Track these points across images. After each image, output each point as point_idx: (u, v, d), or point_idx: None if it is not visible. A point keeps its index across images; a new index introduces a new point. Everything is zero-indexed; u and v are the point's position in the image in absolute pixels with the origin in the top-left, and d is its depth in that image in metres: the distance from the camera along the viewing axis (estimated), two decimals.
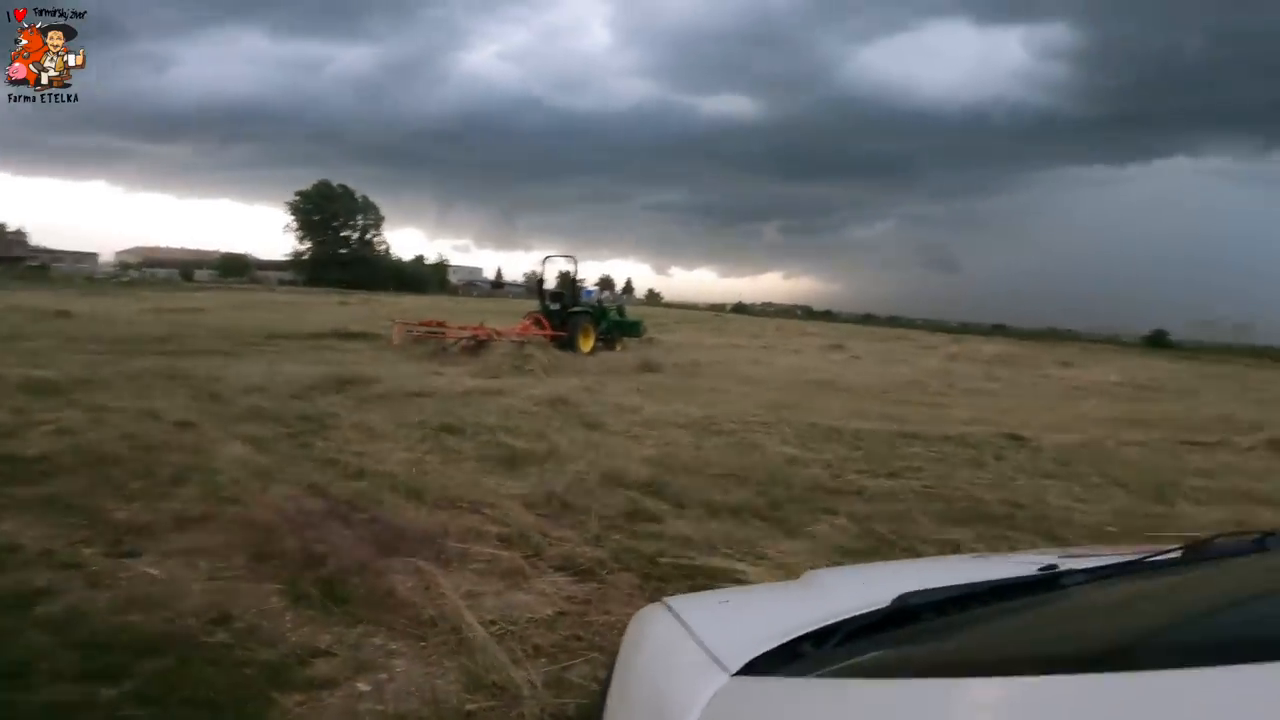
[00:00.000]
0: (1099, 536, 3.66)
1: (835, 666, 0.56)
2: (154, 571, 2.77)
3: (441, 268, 66.06)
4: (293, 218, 55.84)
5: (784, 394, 9.15)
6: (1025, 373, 16.14)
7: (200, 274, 50.07)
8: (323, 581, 2.73)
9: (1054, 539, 3.55)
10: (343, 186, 57.22)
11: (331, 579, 2.76)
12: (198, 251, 60.84)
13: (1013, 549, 3.11)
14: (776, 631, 0.66)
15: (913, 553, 3.25)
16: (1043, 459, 5.49)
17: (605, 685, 1.14)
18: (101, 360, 8.01)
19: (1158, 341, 59.77)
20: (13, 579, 2.61)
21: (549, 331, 12.27)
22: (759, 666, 0.61)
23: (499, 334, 11.35)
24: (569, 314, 12.99)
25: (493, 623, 2.55)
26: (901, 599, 0.65)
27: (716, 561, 3.09)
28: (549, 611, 2.69)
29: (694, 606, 0.92)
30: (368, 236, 58.58)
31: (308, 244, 56.22)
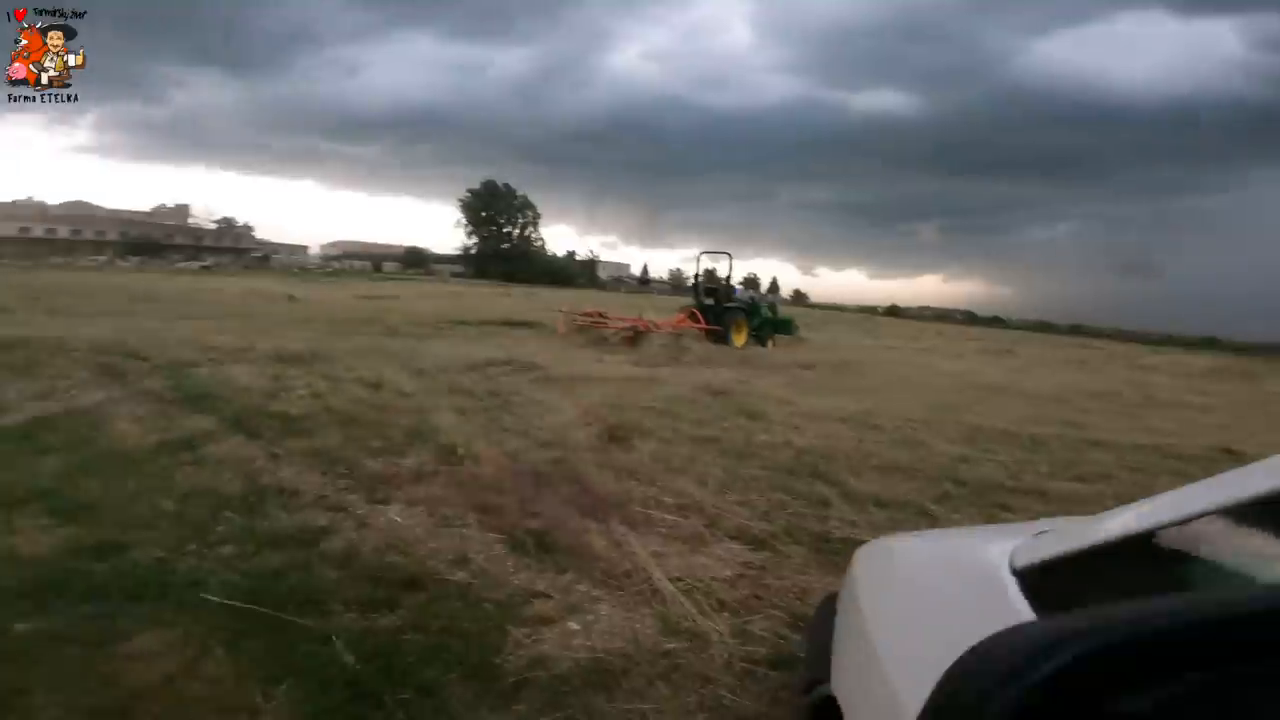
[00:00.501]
0: None
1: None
2: (400, 519, 3.24)
3: (591, 263, 68.56)
4: (462, 215, 60.44)
5: (948, 397, 8.74)
6: (1247, 388, 14.05)
7: (388, 266, 55.70)
8: (534, 533, 3.12)
9: None
10: (505, 185, 61.09)
11: (540, 532, 3.14)
12: (385, 245, 67.72)
13: None
14: (990, 562, 0.79)
15: None
16: None
17: (824, 613, 1.32)
18: (327, 337, 9.39)
19: None
20: (301, 519, 3.13)
21: (704, 325, 12.54)
22: (1053, 564, 0.75)
23: (656, 326, 11.79)
24: (723, 309, 13.18)
25: (679, 579, 2.81)
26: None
27: None
28: (728, 573, 2.92)
29: (915, 540, 1.05)
30: (526, 233, 62.09)
31: (475, 239, 60.60)
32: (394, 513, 3.30)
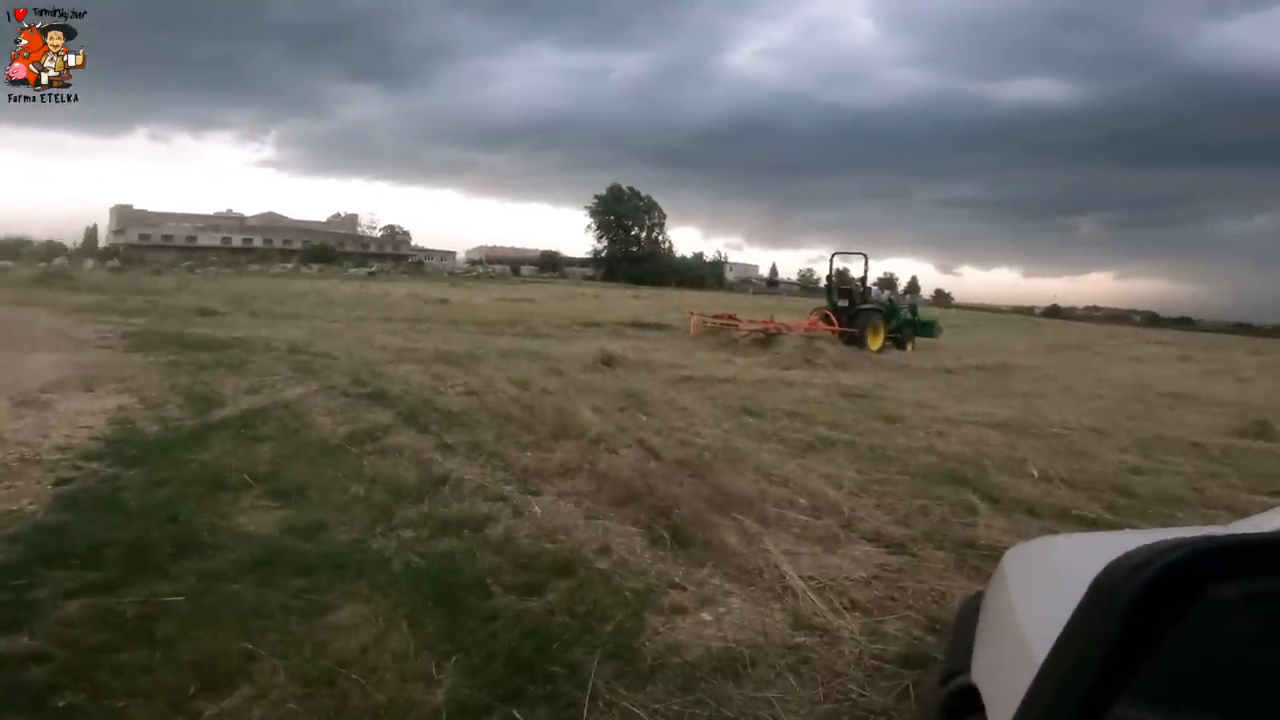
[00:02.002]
0: None
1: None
2: (550, 509, 3.48)
3: (718, 264, 68.28)
4: (591, 219, 62.35)
5: (1121, 404, 7.95)
6: None
7: (525, 270, 58.71)
8: (671, 527, 3.24)
9: None
10: (630, 189, 62.25)
11: (675, 526, 3.26)
12: (522, 250, 71.30)
13: None
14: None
15: None
16: None
17: (967, 614, 1.34)
18: (476, 338, 10.18)
19: None
20: (466, 506, 3.44)
21: (837, 328, 12.22)
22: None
23: (788, 328, 11.64)
24: (858, 311, 12.77)
25: (811, 578, 2.84)
26: None
27: None
28: (862, 574, 2.91)
29: (1078, 537, 1.06)
30: (653, 235, 62.95)
31: (604, 243, 62.35)
32: (544, 503, 3.54)
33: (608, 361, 8.31)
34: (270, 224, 56.90)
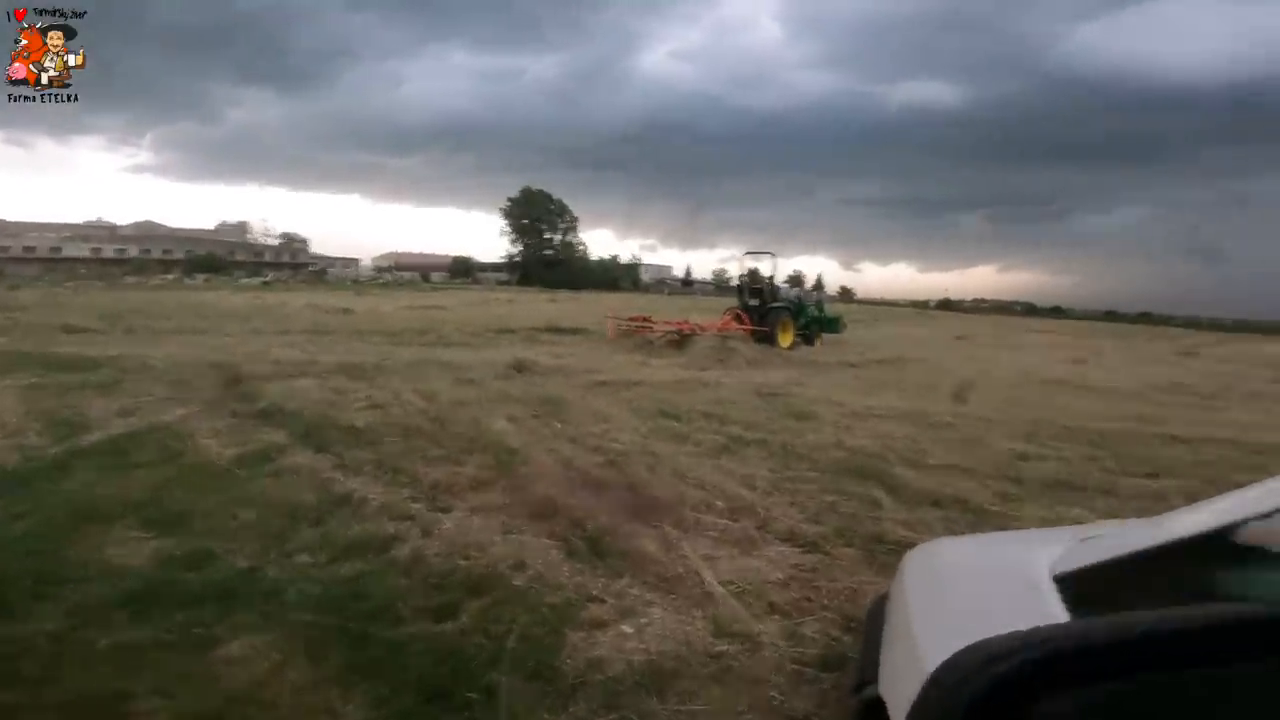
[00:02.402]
0: None
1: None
2: (461, 526, 3.35)
3: (634, 267, 68.74)
4: (505, 223, 61.43)
5: (1009, 392, 8.51)
6: None
7: (436, 276, 57.04)
8: (589, 538, 3.18)
9: None
10: (542, 192, 61.83)
11: (594, 537, 3.20)
12: (432, 256, 69.32)
13: None
14: (1036, 563, 0.81)
15: None
16: None
17: (875, 615, 1.34)
18: (382, 348, 9.73)
19: None
20: (370, 528, 3.26)
21: (749, 327, 12.50)
22: (1091, 570, 0.77)
23: (701, 329, 11.80)
24: (768, 309, 13.11)
25: (730, 582, 2.85)
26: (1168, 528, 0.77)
27: None
28: (779, 576, 2.94)
29: (962, 545, 1.07)
30: (567, 238, 62.72)
31: (518, 247, 61.53)
32: (456, 520, 3.41)
33: (521, 368, 8.14)
34: (147, 233, 52.77)
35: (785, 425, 5.81)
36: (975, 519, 3.55)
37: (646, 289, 59.26)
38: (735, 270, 15.24)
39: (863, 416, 6.10)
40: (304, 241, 63.17)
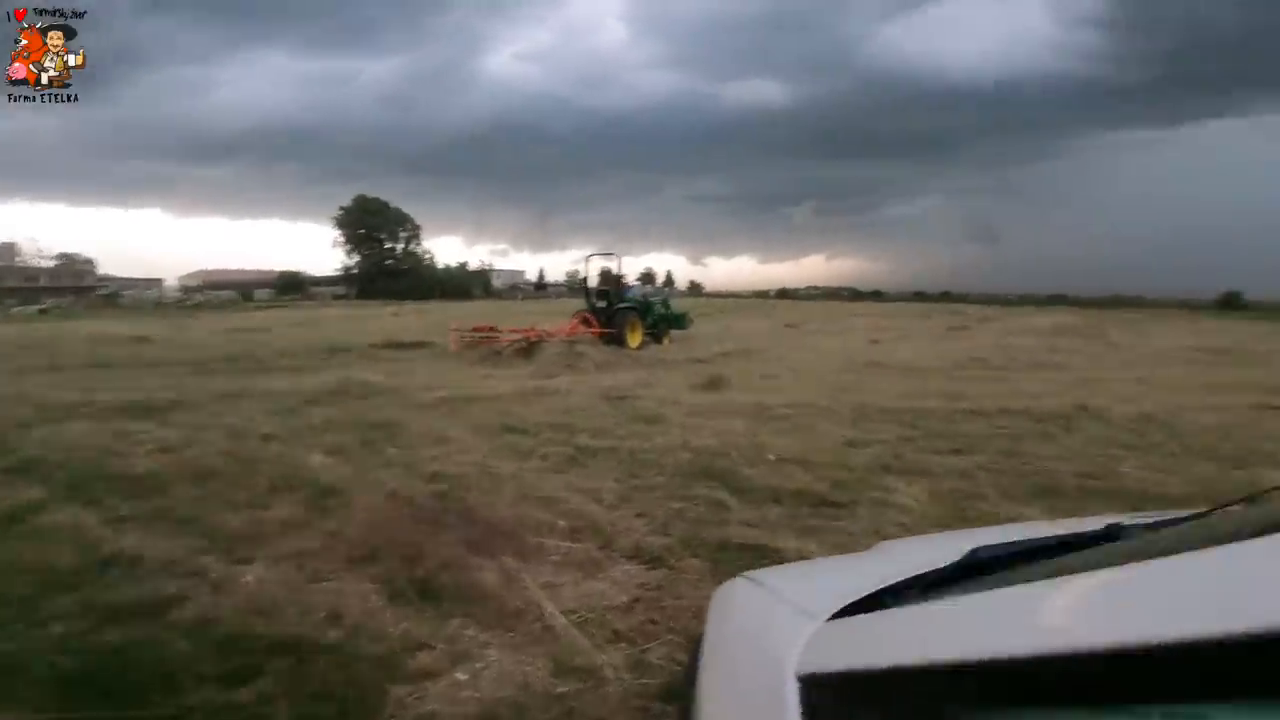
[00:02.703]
0: (1181, 506, 3.51)
1: (913, 605, 0.62)
2: (267, 576, 2.95)
3: (484, 273, 67.17)
4: (339, 233, 57.62)
5: (836, 376, 9.09)
6: (1090, 343, 15.55)
7: (260, 293, 52.02)
8: (416, 579, 2.89)
9: (1136, 509, 3.42)
10: (378, 200, 58.74)
11: (424, 577, 2.91)
12: (256, 272, 63.20)
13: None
14: (856, 590, 0.72)
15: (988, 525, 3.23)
16: (1115, 430, 5.33)
17: (694, 657, 1.23)
18: (184, 381, 8.53)
19: (1231, 303, 56.43)
20: (145, 589, 2.80)
21: (597, 329, 12.45)
22: (847, 614, 0.68)
23: (549, 334, 11.58)
24: (615, 311, 13.15)
25: (573, 611, 2.68)
26: (973, 553, 0.70)
27: (782, 543, 3.16)
28: (624, 598, 2.81)
29: (776, 576, 0.98)
30: (410, 247, 60.03)
31: (356, 258, 57.93)
32: (258, 572, 3.00)
33: (349, 391, 7.48)
34: None
35: (634, 430, 5.76)
36: (814, 510, 3.64)
37: (499, 295, 57.96)
38: (586, 272, 15.16)
39: (708, 414, 6.19)
40: (89, 262, 55.16)
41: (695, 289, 76.73)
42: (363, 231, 57.51)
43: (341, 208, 57.87)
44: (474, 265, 68.01)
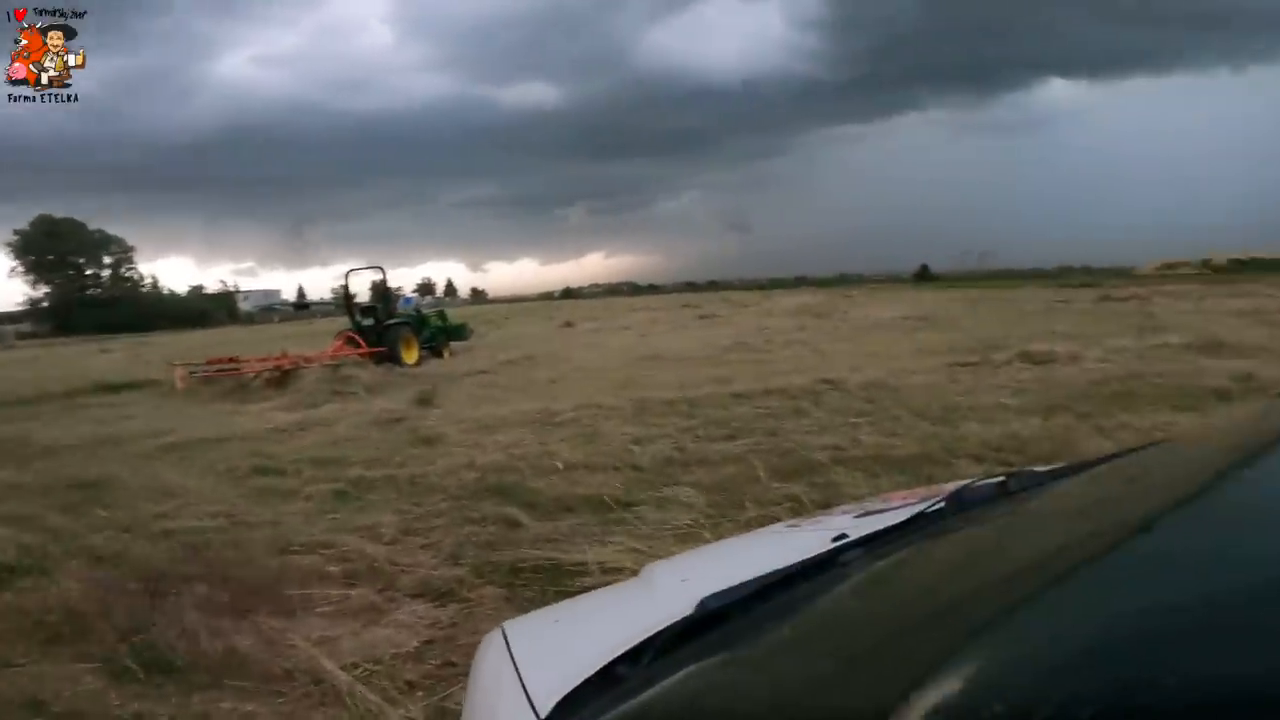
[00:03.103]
0: (910, 466, 4.02)
1: (636, 702, 0.57)
2: None
3: (227, 296, 59.15)
4: (16, 261, 47.22)
5: (619, 373, 9.33)
6: (827, 319, 17.83)
7: None
8: (144, 654, 2.44)
9: (876, 474, 3.88)
10: (70, 220, 49.14)
11: (154, 649, 2.47)
12: None
13: (829, 502, 3.21)
14: (603, 650, 0.67)
15: (760, 511, 3.44)
16: (853, 399, 6.05)
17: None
18: None
19: (925, 276, 69.36)
20: None
21: (366, 349, 11.47)
22: (574, 700, 0.62)
23: (307, 360, 10.39)
24: (385, 327, 12.23)
25: (355, 665, 2.40)
26: (704, 604, 0.68)
27: (579, 555, 3.09)
28: (415, 643, 2.57)
29: (525, 632, 0.90)
30: (122, 272, 51.00)
31: (43, 289, 47.84)
32: None
33: (34, 446, 6.05)
34: None
35: (413, 455, 5.36)
36: (605, 517, 3.62)
37: (251, 319, 51.31)
38: (353, 288, 13.90)
39: (493, 429, 5.96)
40: None
41: (479, 296, 74.93)
42: (51, 257, 47.50)
43: (16, 231, 47.35)
44: (214, 288, 59.54)
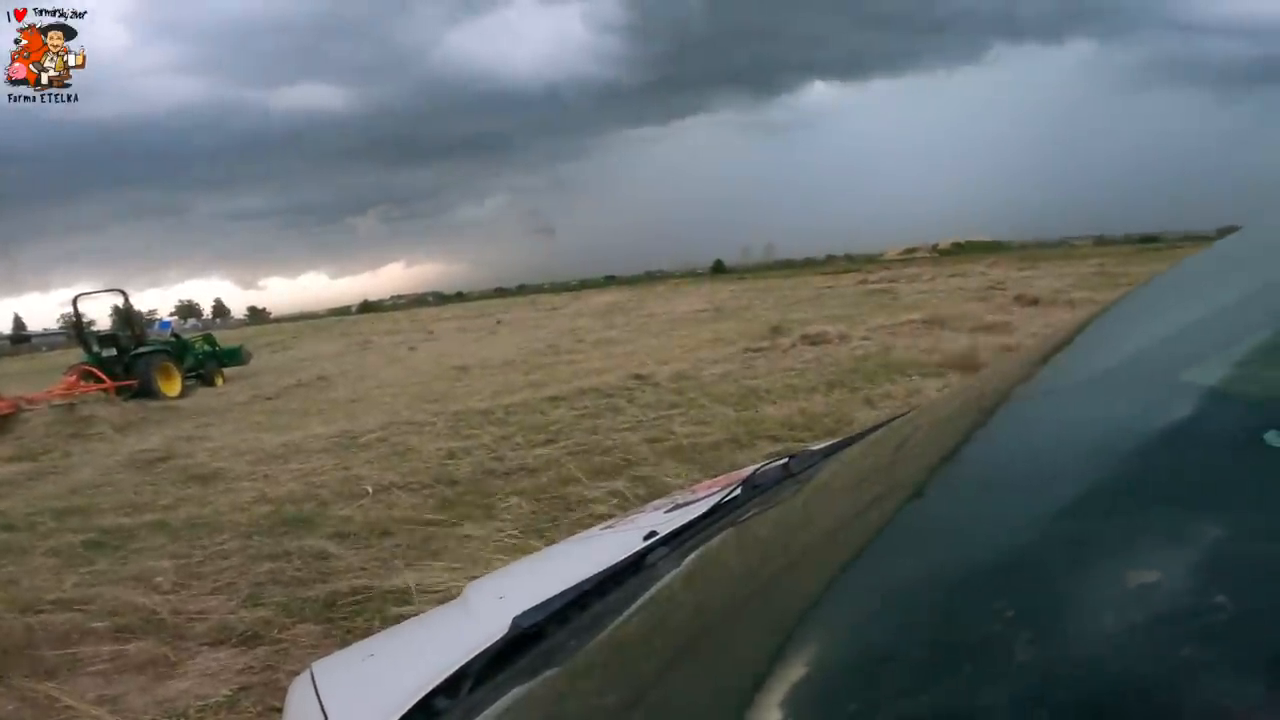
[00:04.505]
0: (720, 450, 4.28)
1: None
2: None
3: None
4: None
5: (428, 387, 8.91)
6: (634, 316, 18.46)
7: None
8: None
9: (692, 463, 4.09)
10: None
11: None
12: None
13: (652, 495, 3.39)
14: (420, 682, 0.65)
15: (585, 513, 3.47)
16: (664, 392, 6.30)
17: None
18: None
19: (719, 269, 74.80)
20: None
21: (109, 383, 9.74)
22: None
23: (29, 402, 8.57)
24: (135, 357, 10.49)
25: None
26: (516, 623, 0.67)
27: (399, 580, 2.91)
28: (226, 691, 2.32)
29: (335, 671, 0.84)
30: None
31: None
32: None
33: None
34: None
35: (185, 495, 4.71)
36: (425, 536, 3.45)
37: None
38: (93, 314, 11.73)
39: (284, 458, 5.38)
40: None
41: (260, 316, 66.80)
42: None
43: None
44: None
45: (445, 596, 2.42)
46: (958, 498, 0.54)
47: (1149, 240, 49.21)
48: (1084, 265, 20.16)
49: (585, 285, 64.96)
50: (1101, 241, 59.44)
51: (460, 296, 78.37)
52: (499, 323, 21.97)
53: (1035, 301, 11.07)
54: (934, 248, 57.99)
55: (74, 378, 9.80)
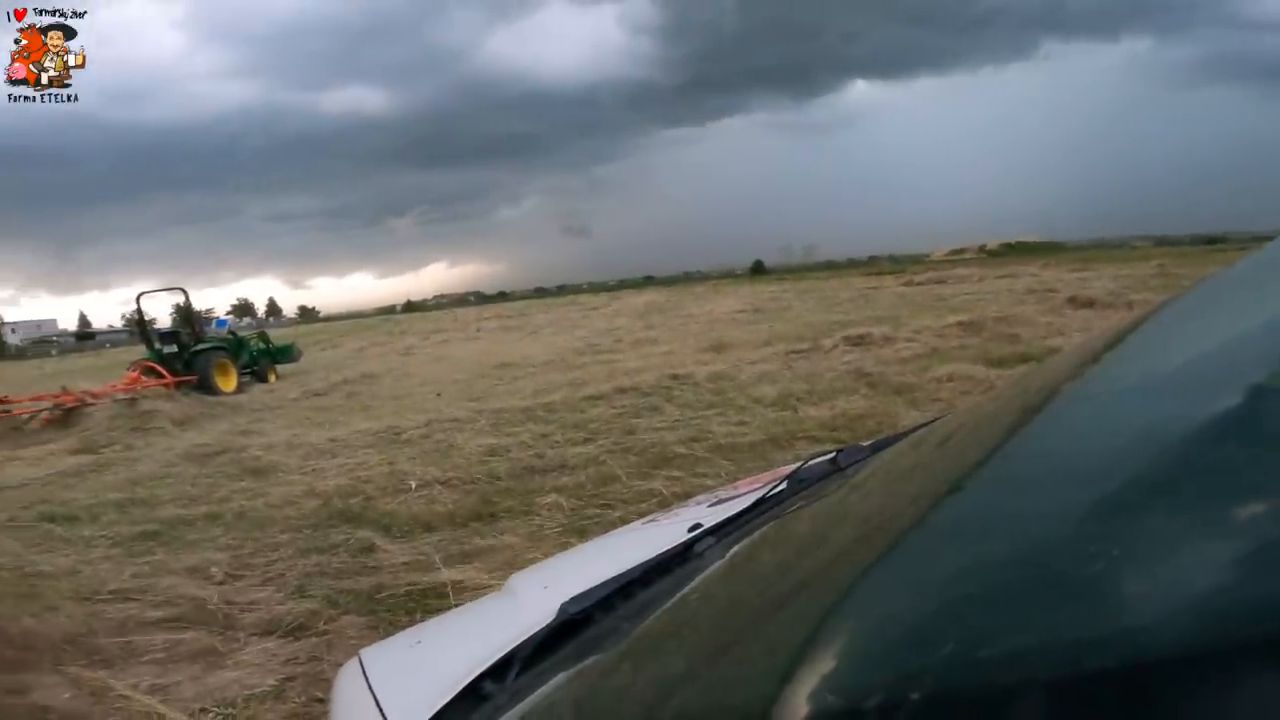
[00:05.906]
0: (758, 451, 4.27)
1: (504, 718, 0.56)
2: None
3: None
4: None
5: (470, 385, 9.05)
6: (673, 316, 18.44)
7: None
8: None
9: (730, 462, 4.07)
10: None
11: None
12: None
13: (689, 493, 3.40)
14: (467, 668, 0.65)
15: (624, 510, 3.47)
16: (702, 392, 6.29)
17: None
18: None
19: (759, 270, 74.26)
20: None
21: (170, 379, 10.16)
22: (458, 700, 0.61)
23: (94, 396, 8.99)
24: (194, 353, 10.92)
25: (204, 710, 2.22)
26: (564, 609, 0.67)
27: (444, 576, 2.96)
28: (272, 681, 2.38)
29: (383, 658, 0.86)
30: None
31: None
32: None
33: None
34: None
35: (240, 488, 4.86)
36: (468, 532, 3.50)
37: (22, 354, 43.55)
38: (156, 310, 12.27)
39: (332, 453, 5.53)
40: None
41: (309, 315, 68.87)
42: None
43: None
44: None
45: (485, 591, 2.45)
46: (1003, 493, 0.53)
47: (1214, 241, 47.02)
48: (1143, 267, 19.32)
49: (624, 285, 65.32)
50: (1163, 243, 57.10)
51: (503, 296, 79.58)
52: (554, 321, 22.14)
53: (1090, 304, 10.66)
54: (982, 248, 56.52)
55: (136, 373, 10.24)
